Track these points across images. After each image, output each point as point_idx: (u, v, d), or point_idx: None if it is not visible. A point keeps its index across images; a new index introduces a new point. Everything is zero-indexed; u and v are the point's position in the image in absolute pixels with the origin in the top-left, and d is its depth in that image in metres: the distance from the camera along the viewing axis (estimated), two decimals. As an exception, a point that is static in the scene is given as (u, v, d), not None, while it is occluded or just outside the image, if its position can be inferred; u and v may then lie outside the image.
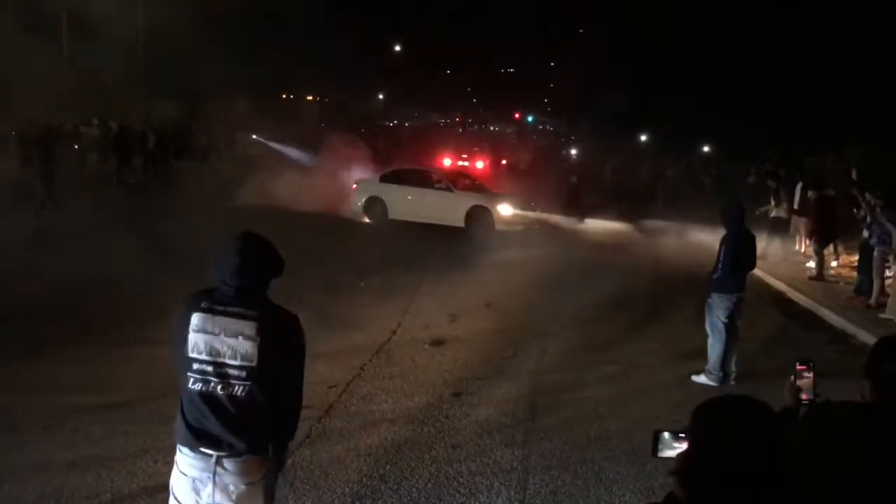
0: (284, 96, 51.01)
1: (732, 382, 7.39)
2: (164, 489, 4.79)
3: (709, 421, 1.84)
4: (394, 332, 8.84)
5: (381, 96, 63.62)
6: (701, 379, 7.50)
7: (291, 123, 34.55)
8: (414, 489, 5.02)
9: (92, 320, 8.55)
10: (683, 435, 1.99)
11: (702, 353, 8.34)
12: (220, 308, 2.88)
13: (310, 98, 55.84)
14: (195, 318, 2.88)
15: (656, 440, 2.07)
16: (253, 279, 2.93)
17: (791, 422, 2.52)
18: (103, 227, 13.32)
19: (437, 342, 8.50)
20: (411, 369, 7.60)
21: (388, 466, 5.35)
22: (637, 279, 12.26)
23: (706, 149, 31.18)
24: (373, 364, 7.66)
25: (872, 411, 2.24)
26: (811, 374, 2.64)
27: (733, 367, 7.53)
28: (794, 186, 14.82)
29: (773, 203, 14.84)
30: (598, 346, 8.67)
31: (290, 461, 3.19)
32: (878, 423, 1.36)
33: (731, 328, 7.46)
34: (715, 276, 7.48)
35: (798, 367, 2.65)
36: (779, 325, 10.39)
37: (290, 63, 35.73)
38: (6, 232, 11.56)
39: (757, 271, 13.69)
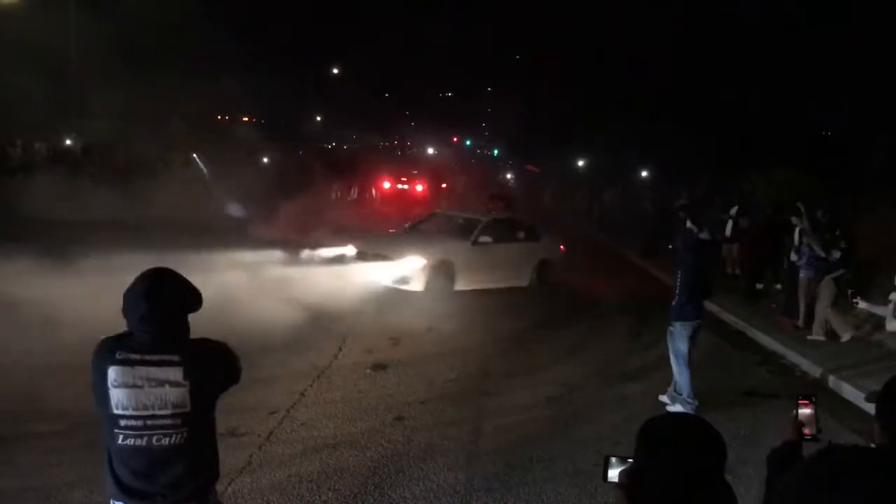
0: (220, 117, 50.35)
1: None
2: (98, 520, 4.73)
3: (649, 438, 1.92)
4: (335, 357, 8.78)
5: (318, 118, 63.38)
6: (677, 408, 7.45)
7: (228, 144, 34.11)
8: (358, 515, 5.00)
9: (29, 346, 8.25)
10: (632, 460, 2.05)
11: (640, 373, 8.58)
12: (138, 357, 2.65)
13: (245, 119, 55.22)
14: (112, 373, 2.64)
15: (607, 465, 2.11)
16: (167, 322, 2.70)
17: (794, 456, 2.48)
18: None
19: (379, 366, 8.48)
20: (353, 394, 7.56)
21: (330, 493, 5.31)
22: (574, 302, 12.49)
23: (644, 174, 31.95)
24: (314, 389, 7.59)
25: (885, 456, 2.01)
26: (813, 409, 2.57)
27: (675, 392, 7.61)
28: (727, 212, 15.34)
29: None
30: (539, 368, 8.79)
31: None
32: (892, 468, 1.38)
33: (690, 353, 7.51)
34: (674, 304, 7.54)
35: (800, 402, 2.59)
36: (711, 344, 10.67)
37: (224, 84, 35.30)
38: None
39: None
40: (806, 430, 2.56)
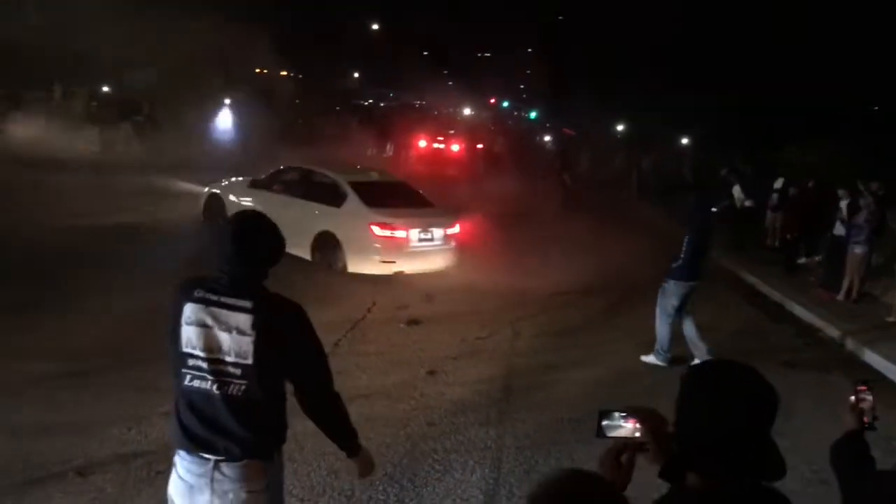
0: (258, 71, 50.31)
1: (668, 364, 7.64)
2: (137, 456, 4.84)
3: (698, 385, 1.82)
4: (369, 310, 8.83)
5: (356, 75, 63.04)
6: (650, 359, 7.78)
7: (266, 98, 34.17)
8: (389, 464, 5.04)
9: (55, 289, 8.42)
10: (625, 414, 1.97)
11: (674, 339, 8.49)
12: (215, 298, 2.60)
13: (284, 73, 55.17)
14: (187, 309, 2.60)
15: (602, 419, 2.02)
16: (249, 267, 2.66)
17: (859, 447, 2.38)
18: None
19: (413, 321, 8.51)
20: (386, 347, 7.62)
21: (362, 441, 5.33)
22: (608, 268, 12.35)
23: (684, 141, 31.38)
24: (348, 340, 7.66)
25: None
26: (871, 396, 2.47)
27: (707, 352, 7.58)
28: (770, 181, 15.08)
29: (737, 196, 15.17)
30: (570, 331, 8.76)
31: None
32: None
33: (682, 313, 7.74)
34: (675, 265, 7.62)
35: (858, 389, 2.48)
36: (749, 317, 10.56)
37: (264, 37, 35.24)
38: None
39: (729, 264, 14.01)
40: (865, 419, 2.44)
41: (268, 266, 2.74)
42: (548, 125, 44.35)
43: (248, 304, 2.59)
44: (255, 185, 12.14)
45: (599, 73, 37.90)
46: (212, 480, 2.60)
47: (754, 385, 1.78)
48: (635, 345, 8.39)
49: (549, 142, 30.47)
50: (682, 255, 7.55)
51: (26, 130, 22.61)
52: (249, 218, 2.78)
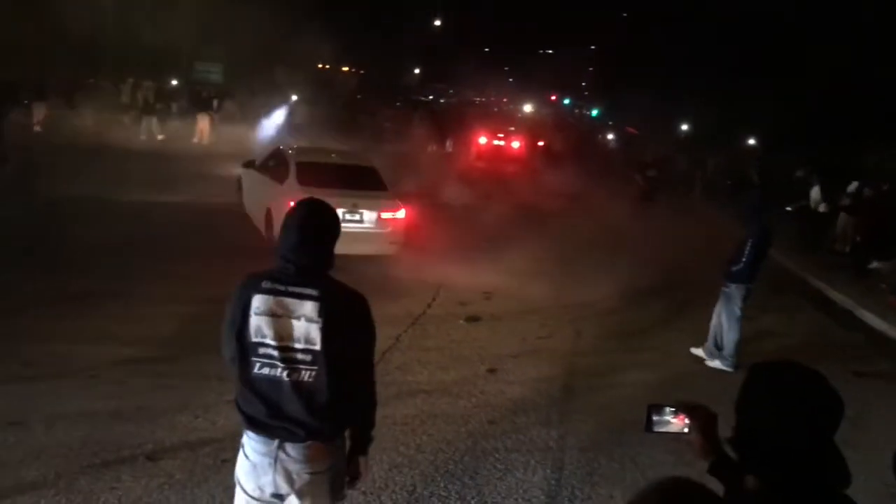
0: (320, 66, 50.98)
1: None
2: (204, 444, 4.93)
3: (764, 386, 1.78)
4: (429, 306, 8.86)
5: (416, 71, 63.35)
6: (715, 364, 7.69)
7: (328, 92, 34.68)
8: (451, 461, 5.04)
9: (128, 277, 8.67)
10: (675, 409, 1.94)
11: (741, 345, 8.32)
12: (282, 287, 2.68)
13: (345, 69, 55.76)
14: (256, 301, 2.68)
15: (651, 414, 1.99)
16: (315, 256, 2.74)
17: None
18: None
19: (473, 318, 8.50)
20: (447, 343, 7.62)
21: (424, 437, 5.37)
22: (673, 268, 12.14)
23: (751, 141, 30.58)
24: (408, 335, 7.69)
25: None
26: None
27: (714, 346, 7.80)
28: (844, 183, 14.62)
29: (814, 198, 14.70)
30: (633, 333, 8.62)
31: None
32: None
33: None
34: (735, 268, 7.59)
35: None
36: (816, 323, 10.26)
37: (326, 33, 35.72)
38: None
39: (795, 267, 13.63)
40: None
41: (331, 254, 2.81)
42: (610, 123, 43.81)
43: (314, 292, 2.67)
44: (246, 165, 12.67)
45: (664, 71, 37.30)
46: (276, 460, 2.69)
47: (817, 388, 1.73)
48: (699, 347, 8.24)
49: (612, 140, 30.03)
50: (743, 259, 7.52)
51: (96, 118, 23.44)
52: (313, 208, 2.83)
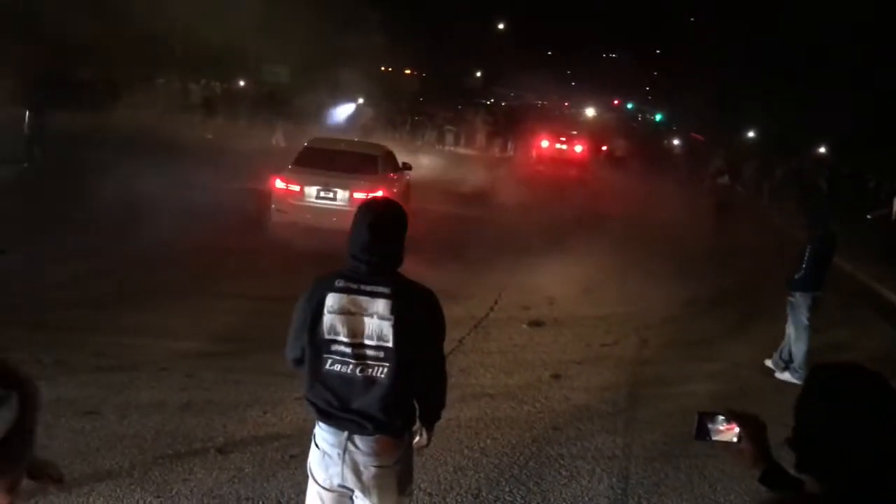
0: (383, 69, 51.39)
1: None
2: (273, 439, 5.01)
3: (831, 390, 1.73)
4: (491, 309, 8.84)
5: (478, 74, 63.34)
6: (785, 376, 7.51)
7: (391, 95, 34.97)
8: (515, 466, 5.01)
9: (197, 273, 8.90)
10: (726, 418, 1.90)
11: (810, 359, 8.09)
12: (355, 286, 2.74)
13: (408, 72, 56.12)
14: (330, 299, 2.74)
15: (702, 422, 1.94)
16: (385, 255, 2.78)
17: None
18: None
19: (536, 323, 8.45)
20: (510, 347, 7.59)
21: (488, 440, 5.36)
22: (741, 277, 11.88)
23: (821, 150, 29.72)
24: (471, 338, 7.68)
25: None
26: None
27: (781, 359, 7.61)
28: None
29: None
30: (699, 342, 8.44)
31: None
32: None
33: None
34: (797, 276, 7.47)
35: None
36: (889, 337, 9.88)
37: (389, 36, 36.01)
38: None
39: (868, 278, 13.18)
40: None
41: (401, 251, 2.85)
42: (674, 128, 43.12)
43: (386, 289, 2.73)
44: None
45: (729, 75, 36.55)
46: (345, 451, 2.76)
47: (878, 390, 1.68)
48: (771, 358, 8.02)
49: (677, 146, 29.52)
50: (803, 266, 7.41)
51: (160, 118, 24.13)
52: (382, 207, 2.89)
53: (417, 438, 3.02)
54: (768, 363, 7.74)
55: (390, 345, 2.70)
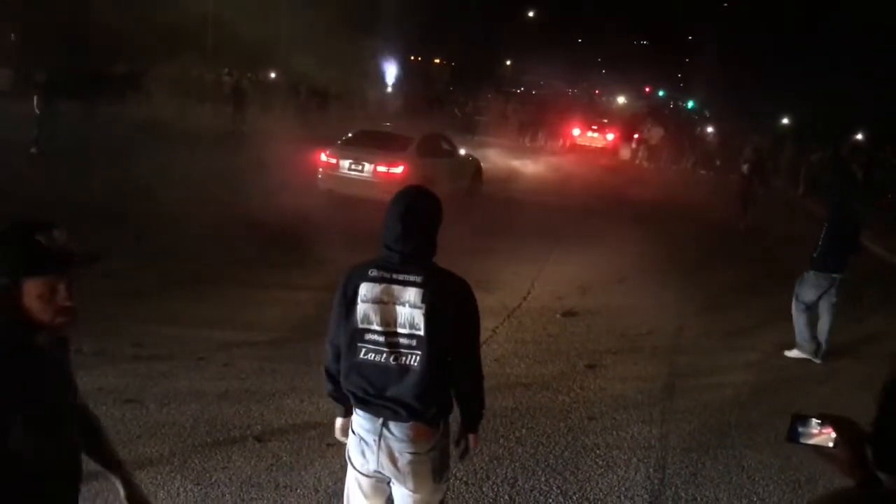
0: (412, 58, 51.30)
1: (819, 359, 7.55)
2: (310, 427, 5.04)
3: None
4: (524, 299, 8.80)
5: (508, 62, 63.01)
6: (794, 353, 7.64)
7: (421, 84, 34.98)
8: (551, 455, 5.00)
9: (235, 262, 8.98)
10: (821, 421, 1.83)
11: (849, 349, 8.00)
12: (388, 275, 2.76)
13: (437, 61, 56.06)
14: (364, 288, 2.76)
15: (795, 424, 1.89)
16: (417, 244, 2.78)
17: None
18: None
19: (569, 313, 8.39)
20: (543, 337, 7.56)
21: (524, 430, 5.35)
22: (776, 267, 11.70)
23: (859, 136, 29.11)
24: (505, 328, 7.66)
25: None
26: None
27: (823, 343, 7.61)
28: None
29: None
30: (736, 331, 8.34)
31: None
32: None
33: (821, 305, 7.59)
34: (814, 255, 7.52)
35: None
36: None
37: (419, 25, 35.99)
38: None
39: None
40: None
41: (433, 240, 2.85)
42: (707, 115, 42.54)
43: (418, 278, 2.74)
44: None
45: (763, 61, 35.94)
46: (380, 437, 2.78)
47: None
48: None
49: (710, 133, 29.10)
50: (819, 244, 7.47)
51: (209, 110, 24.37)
52: (412, 197, 2.86)
53: (460, 446, 3.00)
54: (793, 353, 7.70)
55: (422, 333, 2.71)
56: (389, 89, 31.91)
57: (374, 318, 2.75)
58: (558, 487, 4.60)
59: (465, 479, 4.55)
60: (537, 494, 4.51)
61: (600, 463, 4.97)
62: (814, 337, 7.60)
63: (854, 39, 30.63)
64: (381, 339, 2.75)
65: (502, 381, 6.18)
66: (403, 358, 2.74)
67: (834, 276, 7.49)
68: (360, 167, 13.27)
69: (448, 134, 16.74)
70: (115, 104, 23.19)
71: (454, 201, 14.36)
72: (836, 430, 1.81)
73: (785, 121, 37.50)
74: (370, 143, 13.88)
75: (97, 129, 18.58)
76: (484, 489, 4.49)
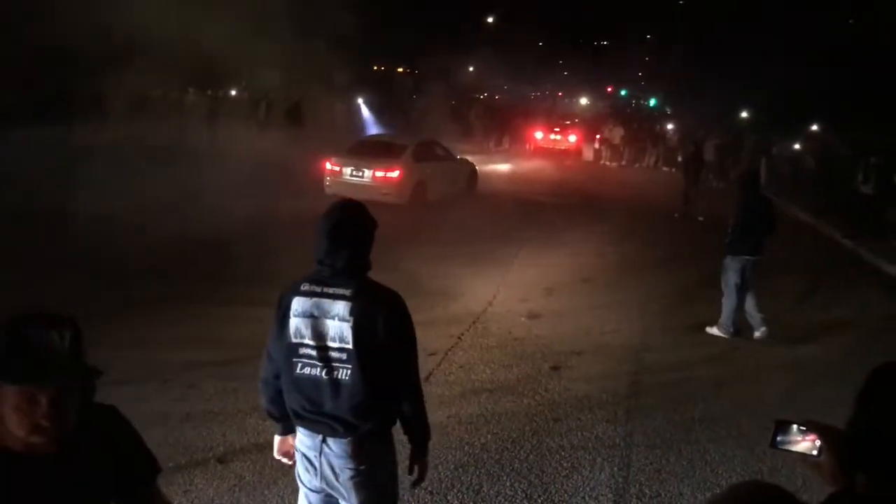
0: (375, 68, 51.20)
1: (736, 336, 8.00)
2: (272, 446, 4.95)
3: (880, 385, 1.67)
4: (490, 304, 8.81)
5: (471, 69, 63.13)
6: (713, 331, 8.09)
7: (385, 93, 34.95)
8: (516, 460, 5.02)
9: (199, 281, 8.90)
10: (805, 428, 1.83)
11: (811, 336, 8.13)
12: (319, 289, 2.78)
13: (400, 70, 56.00)
14: (295, 303, 2.78)
15: (778, 431, 1.89)
16: (347, 258, 2.78)
17: None
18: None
19: (534, 315, 8.44)
20: (509, 340, 7.58)
21: (488, 436, 5.36)
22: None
23: (814, 127, 29.57)
24: (470, 333, 7.67)
25: None
26: None
27: (761, 320, 8.02)
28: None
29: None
30: (699, 326, 8.41)
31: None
32: None
33: (743, 287, 7.97)
34: (727, 241, 8.00)
35: None
36: (890, 313, 9.84)
37: (381, 34, 35.91)
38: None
39: (865, 253, 13.15)
40: None
41: (366, 252, 2.86)
42: (668, 112, 43.00)
43: (347, 291, 2.75)
44: None
45: (721, 53, 36.41)
46: (320, 454, 2.80)
47: None
48: (773, 341, 8.01)
49: (671, 130, 29.41)
50: (730, 231, 7.97)
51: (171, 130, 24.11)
52: (342, 210, 2.87)
53: (413, 475, 3.00)
54: (713, 330, 8.11)
55: (351, 346, 2.73)
56: (359, 100, 31.82)
57: (306, 332, 2.77)
58: (523, 492, 4.61)
59: (430, 488, 4.55)
60: (502, 500, 4.52)
61: (565, 464, 5.00)
62: (737, 320, 8.03)
63: (798, 32, 31.17)
64: (314, 353, 2.77)
65: (467, 388, 6.20)
66: (335, 372, 2.75)
67: (748, 258, 7.90)
68: (360, 173, 14.65)
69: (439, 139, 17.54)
70: (79, 125, 22.83)
71: (444, 205, 14.70)
72: (821, 437, 1.80)
73: (744, 114, 37.97)
74: (369, 150, 15.36)
75: (51, 153, 18.24)
76: (449, 498, 4.50)
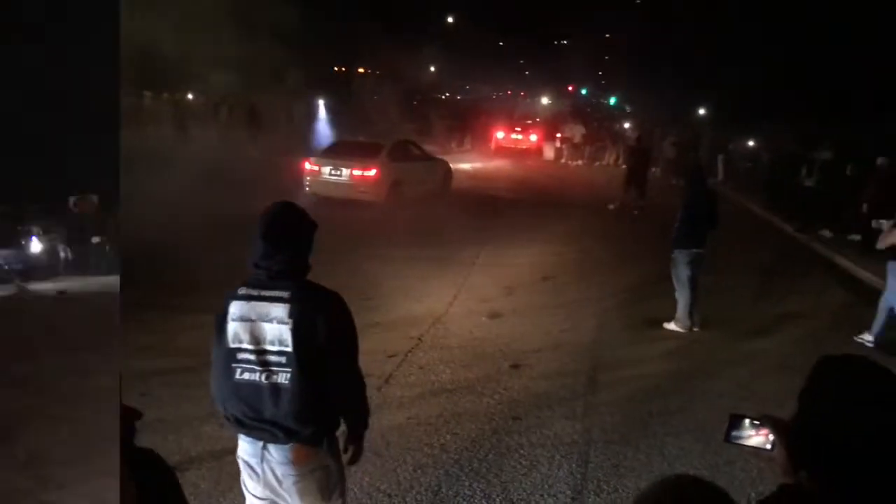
0: (336, 69, 50.91)
1: (696, 329, 8.18)
2: (228, 453, 4.92)
3: (834, 379, 1.68)
4: (450, 304, 8.83)
5: (432, 69, 63.14)
6: (671, 326, 8.21)
7: (345, 95, 34.79)
8: (475, 459, 5.02)
9: (157, 288, 8.77)
10: (759, 422, 1.85)
11: (766, 329, 8.26)
12: (256, 293, 2.76)
13: (361, 70, 55.75)
14: (233, 307, 2.76)
15: (732, 425, 1.91)
16: (283, 260, 2.76)
17: None
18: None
19: (494, 315, 8.47)
20: (469, 341, 7.60)
21: (448, 436, 5.36)
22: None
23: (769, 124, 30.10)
24: (430, 335, 7.67)
25: None
26: None
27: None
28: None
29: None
30: (658, 321, 8.51)
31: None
32: None
33: (693, 281, 8.13)
34: (674, 235, 8.15)
35: None
36: (845, 303, 10.06)
37: (339, 36, 35.74)
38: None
39: (818, 246, 13.42)
40: None
41: (304, 254, 2.83)
42: (627, 111, 43.46)
43: (285, 294, 2.73)
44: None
45: (681, 55, 36.86)
46: (262, 460, 2.78)
47: (890, 386, 1.63)
48: (730, 334, 8.14)
49: (629, 128, 29.70)
50: (676, 226, 8.11)
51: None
52: (276, 213, 2.84)
53: (348, 453, 2.98)
54: (670, 326, 8.26)
55: (290, 349, 2.69)
56: (319, 101, 31.63)
57: (245, 336, 2.73)
58: (482, 491, 4.62)
59: (388, 490, 4.54)
60: (461, 500, 4.52)
61: (524, 463, 5.02)
62: (692, 313, 8.17)
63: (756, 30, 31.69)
64: (253, 357, 2.73)
65: (427, 389, 6.19)
66: (275, 376, 2.71)
67: (694, 251, 8.06)
68: (338, 172, 15.23)
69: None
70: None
71: (418, 204, 14.72)
72: (774, 432, 1.81)
73: (702, 111, 38.48)
74: (346, 150, 15.97)
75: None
76: (407, 499, 4.48)
